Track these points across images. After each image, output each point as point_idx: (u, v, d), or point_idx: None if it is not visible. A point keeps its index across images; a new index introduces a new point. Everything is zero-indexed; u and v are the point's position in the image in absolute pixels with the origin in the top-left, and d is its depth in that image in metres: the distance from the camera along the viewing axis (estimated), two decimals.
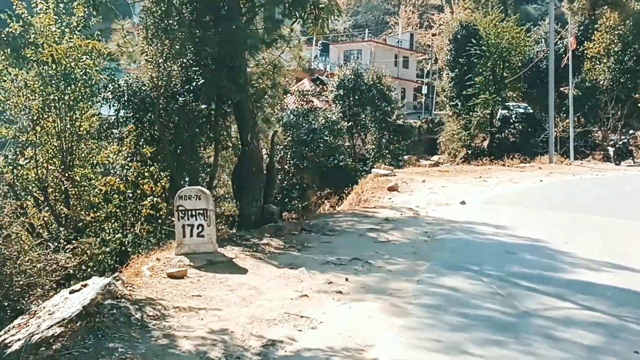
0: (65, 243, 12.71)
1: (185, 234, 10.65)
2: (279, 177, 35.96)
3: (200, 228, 10.62)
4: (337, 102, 39.99)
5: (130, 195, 14.63)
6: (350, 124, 38.94)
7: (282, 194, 34.82)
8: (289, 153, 35.79)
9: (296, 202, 35.05)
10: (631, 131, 36.77)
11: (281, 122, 35.35)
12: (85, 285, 8.27)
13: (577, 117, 38.21)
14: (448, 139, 45.15)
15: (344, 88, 39.71)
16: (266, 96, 17.74)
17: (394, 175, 23.95)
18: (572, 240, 12.76)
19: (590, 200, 18.85)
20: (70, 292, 8.20)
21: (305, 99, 37.81)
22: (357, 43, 72.32)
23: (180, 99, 15.46)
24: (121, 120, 15.87)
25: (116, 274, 8.68)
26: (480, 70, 40.40)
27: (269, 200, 15.87)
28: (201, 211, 10.62)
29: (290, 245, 12.38)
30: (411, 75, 72.44)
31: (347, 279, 9.79)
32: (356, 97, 39.57)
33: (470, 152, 42.23)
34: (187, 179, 15.90)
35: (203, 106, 15.81)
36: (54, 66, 14.08)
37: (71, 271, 12.11)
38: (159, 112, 15.31)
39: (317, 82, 50.11)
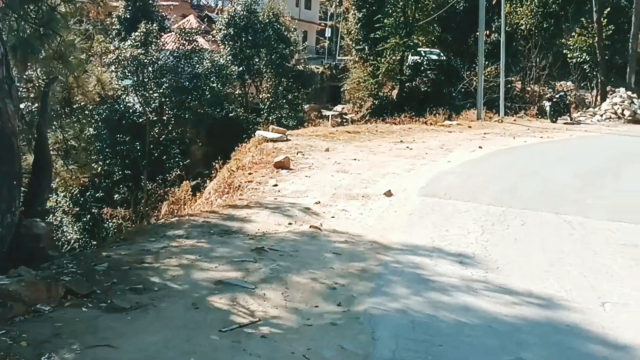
0: None
1: None
2: (155, 131, 27.99)
3: None
4: (226, 42, 32.62)
5: None
6: (241, 68, 31.84)
7: (159, 151, 27.25)
8: (168, 102, 28.13)
9: (178, 159, 27.45)
10: (562, 82, 30.55)
11: (156, 65, 27.62)
12: None
13: (492, 66, 31.61)
14: (353, 87, 39.25)
15: (235, 26, 32.18)
16: (55, 12, 9.04)
17: (287, 140, 15.94)
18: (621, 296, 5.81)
19: (572, 182, 11.89)
20: None
21: (188, 38, 29.44)
22: None
23: None
24: None
25: None
26: (390, 11, 34.89)
27: (37, 208, 7.60)
28: None
29: None
30: (314, 17, 63.42)
31: None
32: (249, 37, 32.19)
33: (377, 102, 36.45)
34: None
35: None
36: None
37: None
38: None
39: (205, 20, 41.45)
